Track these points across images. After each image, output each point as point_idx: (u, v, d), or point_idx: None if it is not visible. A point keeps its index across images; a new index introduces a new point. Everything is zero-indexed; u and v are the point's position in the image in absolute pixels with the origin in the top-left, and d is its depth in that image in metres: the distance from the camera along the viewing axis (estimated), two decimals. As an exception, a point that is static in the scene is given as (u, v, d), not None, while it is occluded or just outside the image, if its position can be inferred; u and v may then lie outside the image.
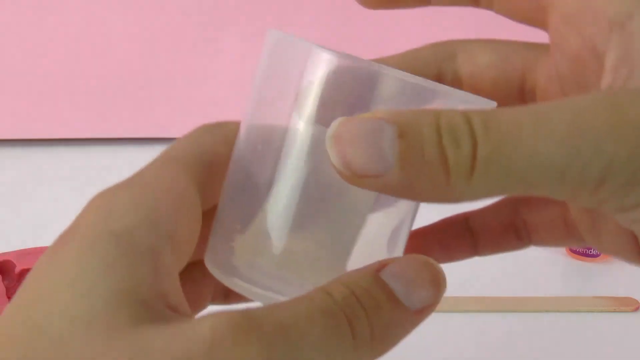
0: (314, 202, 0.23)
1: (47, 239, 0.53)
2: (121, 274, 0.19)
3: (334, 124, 0.19)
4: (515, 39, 0.27)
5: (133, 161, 0.76)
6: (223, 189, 0.25)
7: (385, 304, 0.21)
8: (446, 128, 0.18)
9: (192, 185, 0.24)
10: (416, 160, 0.18)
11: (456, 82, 0.27)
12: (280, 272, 0.23)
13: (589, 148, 0.18)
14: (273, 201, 0.23)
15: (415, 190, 0.19)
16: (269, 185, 0.23)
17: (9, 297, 0.45)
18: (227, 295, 0.30)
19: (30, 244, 0.51)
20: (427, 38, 0.29)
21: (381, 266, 0.22)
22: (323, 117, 0.22)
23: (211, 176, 0.25)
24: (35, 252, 0.49)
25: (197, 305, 0.29)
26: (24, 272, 0.48)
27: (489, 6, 0.26)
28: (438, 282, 0.22)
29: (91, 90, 0.82)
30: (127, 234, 0.20)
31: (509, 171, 0.18)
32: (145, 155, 0.25)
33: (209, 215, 0.25)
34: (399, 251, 0.25)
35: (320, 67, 0.22)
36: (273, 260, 0.23)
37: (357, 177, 0.19)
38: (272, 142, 0.23)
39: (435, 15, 0.75)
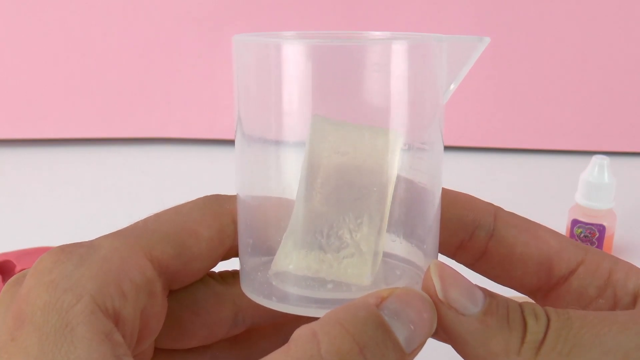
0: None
1: (47, 239, 0.53)
2: None
3: (436, 266, 0.22)
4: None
5: (133, 161, 0.76)
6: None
7: (392, 355, 0.19)
8: (526, 303, 0.21)
9: (148, 264, 0.23)
10: (500, 317, 0.21)
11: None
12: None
13: None
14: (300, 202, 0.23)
15: (486, 343, 0.21)
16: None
17: (9, 297, 0.45)
18: None
19: (30, 244, 0.51)
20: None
21: (380, 300, 0.20)
22: (318, 105, 0.22)
23: (180, 257, 0.24)
24: (35, 252, 0.49)
25: None
26: (24, 272, 0.48)
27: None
28: (433, 324, 0.21)
29: (91, 90, 0.82)
30: (82, 324, 0.20)
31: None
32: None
33: (179, 295, 0.25)
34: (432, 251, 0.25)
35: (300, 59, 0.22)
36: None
37: (446, 305, 0.21)
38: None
39: (437, 12, 0.75)
